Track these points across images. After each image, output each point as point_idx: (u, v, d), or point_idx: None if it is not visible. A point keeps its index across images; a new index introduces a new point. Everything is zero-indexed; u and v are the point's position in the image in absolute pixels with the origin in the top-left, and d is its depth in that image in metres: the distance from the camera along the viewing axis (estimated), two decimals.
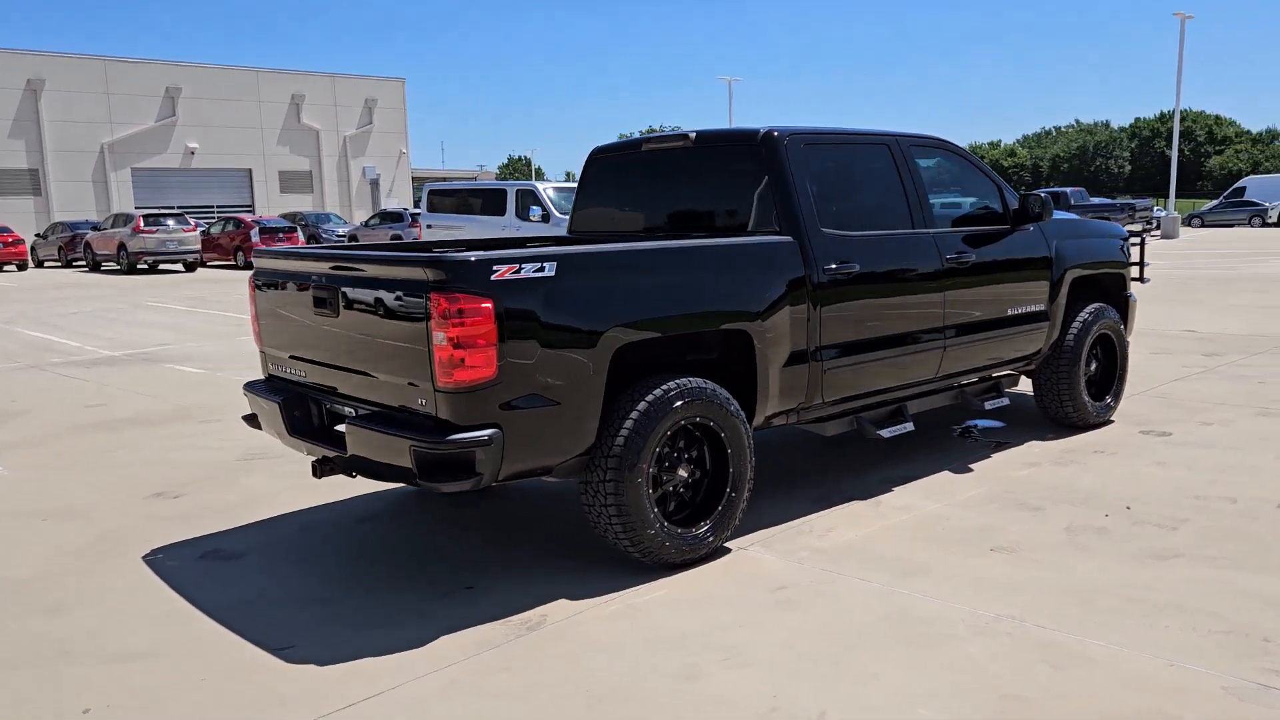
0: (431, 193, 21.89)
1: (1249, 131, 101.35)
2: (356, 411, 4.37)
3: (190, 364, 11.11)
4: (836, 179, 5.30)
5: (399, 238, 31.41)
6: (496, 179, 66.95)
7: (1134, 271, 7.30)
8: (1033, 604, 3.99)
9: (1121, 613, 3.89)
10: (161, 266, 28.53)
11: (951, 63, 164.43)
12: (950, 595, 4.11)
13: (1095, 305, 6.74)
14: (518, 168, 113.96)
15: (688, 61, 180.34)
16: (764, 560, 4.58)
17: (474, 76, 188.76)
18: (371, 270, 4.20)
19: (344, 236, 35.55)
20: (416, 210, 33.38)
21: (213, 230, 30.08)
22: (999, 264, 6.01)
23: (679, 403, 4.33)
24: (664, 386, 4.33)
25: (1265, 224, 42.45)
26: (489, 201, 20.32)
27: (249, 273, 5.13)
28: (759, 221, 5.13)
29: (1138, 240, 7.69)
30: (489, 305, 3.83)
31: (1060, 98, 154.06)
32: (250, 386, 5.08)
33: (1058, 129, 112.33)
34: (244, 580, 4.56)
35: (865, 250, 5.21)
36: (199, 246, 27.47)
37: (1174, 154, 41.56)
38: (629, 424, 4.22)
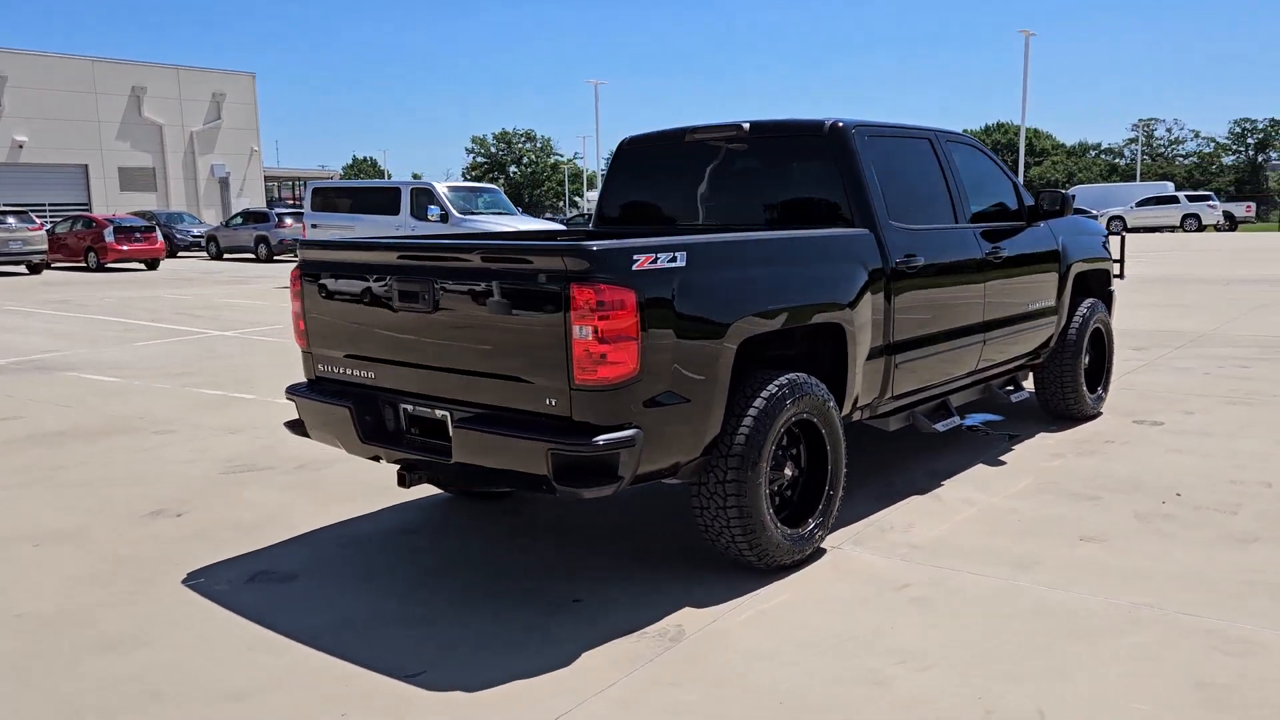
0: (315, 191, 20.95)
1: (1064, 144, 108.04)
2: (452, 415, 4.03)
3: (95, 371, 10.19)
4: (893, 172, 5.24)
5: (265, 239, 30.01)
6: (341, 178, 64.89)
7: (1114, 268, 7.57)
8: (1158, 591, 4.03)
9: (1248, 596, 3.96)
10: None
11: (792, 70, 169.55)
12: (1073, 586, 4.10)
13: (1090, 300, 6.96)
14: (363, 168, 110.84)
15: (544, 66, 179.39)
16: (866, 559, 4.47)
17: (310, 76, 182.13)
18: (484, 261, 3.88)
19: (200, 237, 33.72)
20: (294, 209, 31.97)
21: (59, 229, 27.84)
22: (1022, 258, 6.11)
23: (790, 399, 4.18)
24: (777, 382, 4.17)
25: None
26: (381, 200, 19.61)
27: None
28: (827, 214, 5.03)
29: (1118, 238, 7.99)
30: (632, 296, 3.59)
31: (896, 108, 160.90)
32: (296, 390, 4.63)
33: None
34: (315, 602, 4.14)
35: (926, 243, 5.18)
36: (45, 247, 25.34)
37: (1020, 165, 43.98)
38: (749, 421, 4.04)
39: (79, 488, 5.86)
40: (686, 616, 3.90)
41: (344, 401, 4.32)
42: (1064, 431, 6.71)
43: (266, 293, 19.29)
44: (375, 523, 5.15)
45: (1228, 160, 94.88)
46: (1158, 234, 41.84)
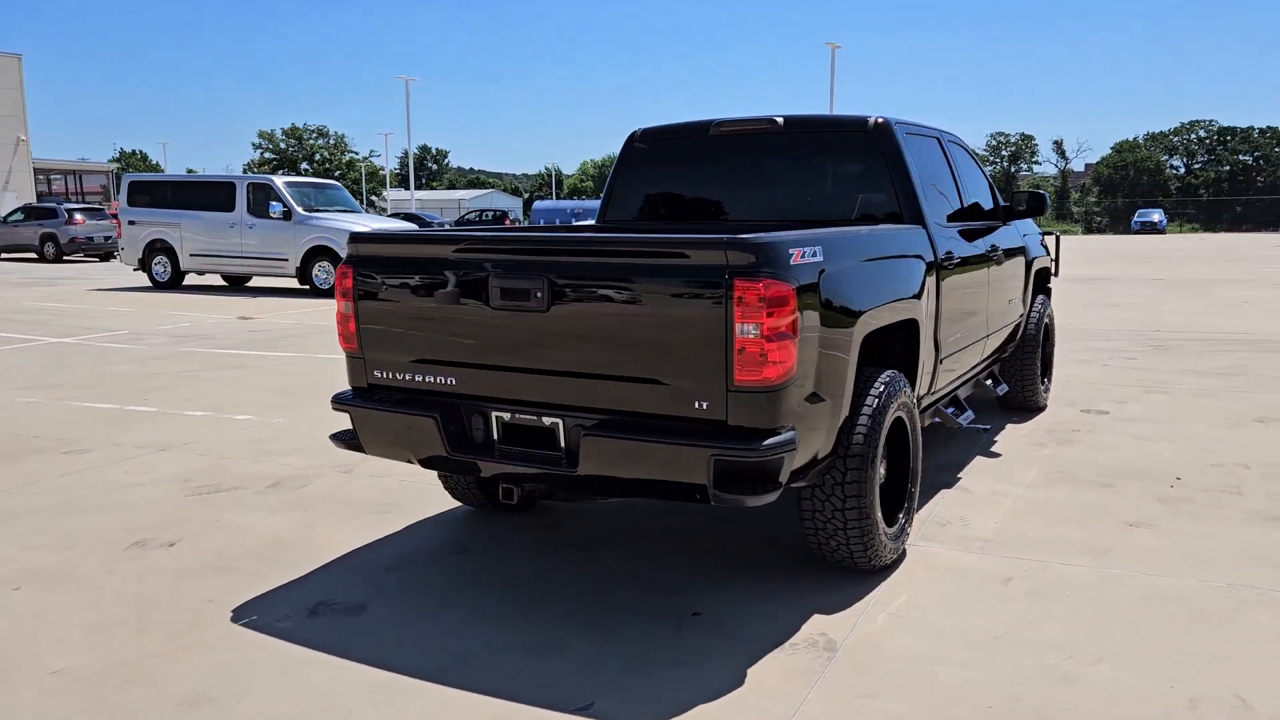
0: (133, 184, 19.22)
1: None
2: (565, 422, 3.72)
3: None
4: (923, 169, 5.28)
5: (53, 237, 27.34)
6: (117, 171, 59.95)
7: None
8: (1239, 571, 4.21)
9: None
10: None
11: (599, 70, 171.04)
12: (1162, 571, 4.23)
13: (1042, 295, 7.29)
14: (132, 162, 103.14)
15: (337, 62, 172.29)
16: (947, 554, 4.47)
17: (61, 63, 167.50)
18: (622, 256, 3.59)
19: None
20: (87, 205, 29.22)
21: None
22: (1007, 254, 6.31)
23: (893, 396, 4.11)
24: (882, 379, 4.09)
25: None
26: (213, 196, 18.24)
27: None
28: (875, 210, 5.00)
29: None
30: (792, 292, 3.41)
31: (634, 112, 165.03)
32: (350, 400, 4.16)
33: None
34: (407, 634, 3.72)
35: (955, 240, 5.25)
36: None
37: None
38: (864, 419, 3.95)
39: (22, 519, 5.06)
40: (822, 624, 3.76)
41: (427, 411, 3.91)
42: (1027, 423, 6.99)
43: (82, 295, 17.51)
44: (410, 543, 4.71)
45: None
46: None
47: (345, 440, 4.21)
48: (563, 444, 3.75)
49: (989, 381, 6.60)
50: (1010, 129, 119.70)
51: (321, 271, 17.19)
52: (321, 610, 3.94)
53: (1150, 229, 57.45)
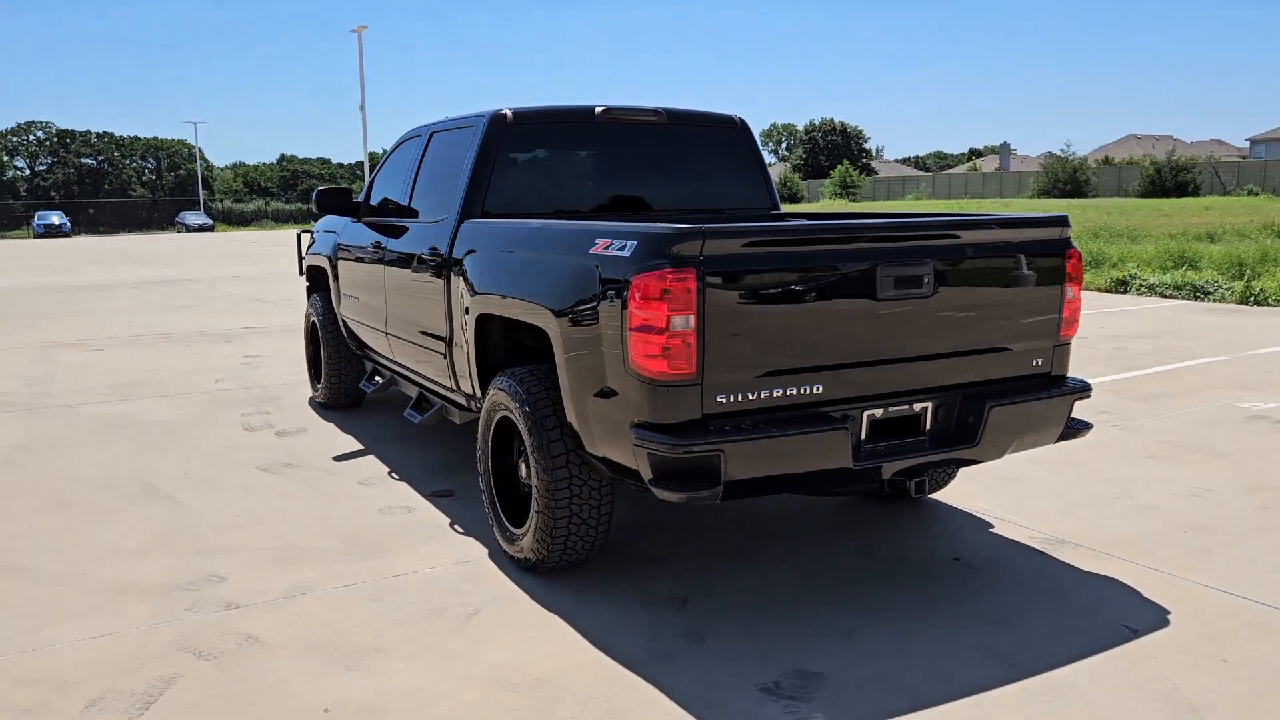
0: None
1: None
2: (931, 404, 3.72)
3: None
4: None
5: None
6: None
7: None
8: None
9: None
10: None
11: None
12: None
13: None
14: None
15: None
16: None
17: None
18: (993, 235, 3.83)
19: None
20: None
21: None
22: None
23: None
24: None
25: None
26: None
27: None
28: (750, 201, 5.41)
29: None
30: None
31: None
32: (706, 437, 3.18)
33: None
34: (932, 678, 3.21)
35: None
36: None
37: None
38: None
39: None
40: (1017, 534, 4.50)
41: (834, 424, 3.39)
42: None
43: None
44: (637, 623, 3.63)
45: None
46: None
47: (705, 491, 3.21)
48: (927, 427, 3.73)
49: None
50: None
51: None
52: (783, 691, 3.10)
53: (55, 232, 55.11)
